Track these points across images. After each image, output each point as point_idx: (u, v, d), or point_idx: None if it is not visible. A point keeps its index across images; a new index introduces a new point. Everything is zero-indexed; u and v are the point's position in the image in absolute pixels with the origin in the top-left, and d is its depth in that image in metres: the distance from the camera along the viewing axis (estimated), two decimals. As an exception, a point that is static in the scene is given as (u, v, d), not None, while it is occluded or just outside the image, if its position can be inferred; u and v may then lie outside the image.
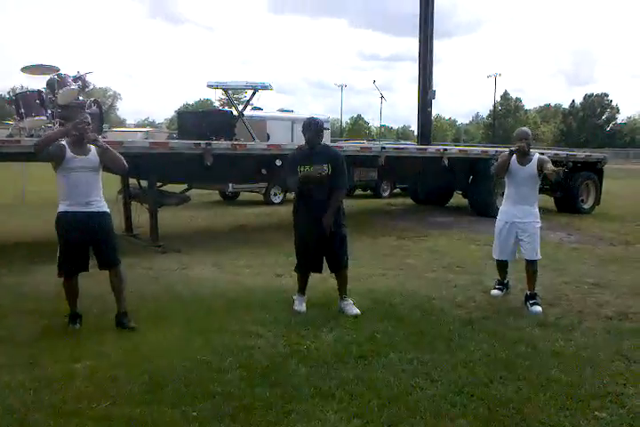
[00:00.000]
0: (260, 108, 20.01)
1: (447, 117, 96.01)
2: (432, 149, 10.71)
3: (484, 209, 10.57)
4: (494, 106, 72.27)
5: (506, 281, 5.76)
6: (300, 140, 12.26)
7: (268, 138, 12.07)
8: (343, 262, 5.07)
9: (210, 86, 8.83)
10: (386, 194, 15.81)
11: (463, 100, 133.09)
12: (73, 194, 4.28)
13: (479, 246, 8.40)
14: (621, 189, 19.61)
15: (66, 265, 4.37)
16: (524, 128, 5.52)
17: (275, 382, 3.49)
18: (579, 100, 74.02)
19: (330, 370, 3.71)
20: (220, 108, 9.98)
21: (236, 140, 8.53)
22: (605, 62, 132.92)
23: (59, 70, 7.43)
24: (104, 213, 4.44)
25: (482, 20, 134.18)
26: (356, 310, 4.84)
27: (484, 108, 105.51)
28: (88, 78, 7.79)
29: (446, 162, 10.20)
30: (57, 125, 7.26)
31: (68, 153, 4.25)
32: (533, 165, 5.27)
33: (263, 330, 4.45)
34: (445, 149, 10.58)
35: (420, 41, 13.23)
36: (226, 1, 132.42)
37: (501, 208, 5.54)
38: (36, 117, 7.20)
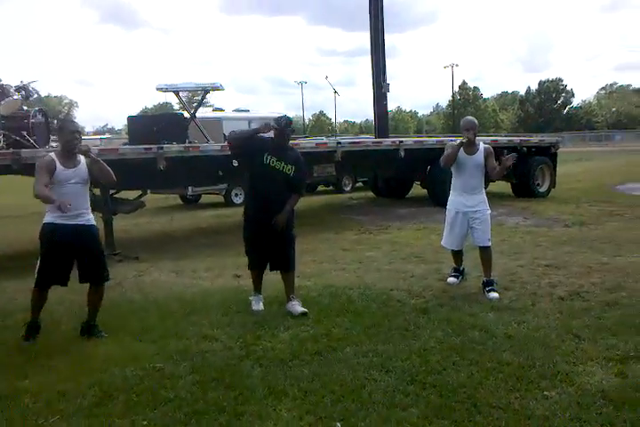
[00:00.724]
0: (221, 109, 19.87)
1: (408, 110, 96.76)
2: (388, 141, 10.77)
3: (443, 199, 10.65)
4: (453, 96, 73.31)
5: (461, 268, 5.83)
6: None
7: (225, 138, 11.97)
8: (291, 264, 5.02)
9: (159, 89, 8.71)
10: (348, 188, 15.88)
11: (423, 91, 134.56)
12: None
13: (439, 236, 8.44)
14: (578, 172, 20.10)
15: (44, 277, 4.24)
16: (470, 118, 5.54)
17: (228, 384, 3.47)
18: (534, 87, 75.29)
19: (285, 369, 3.71)
20: (179, 111, 9.73)
21: (189, 142, 8.44)
22: (560, 47, 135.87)
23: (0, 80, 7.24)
24: (91, 226, 4.33)
25: (438, 11, 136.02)
26: (302, 309, 4.77)
27: (445, 99, 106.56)
28: (32, 87, 7.60)
29: (403, 154, 10.27)
30: (0, 137, 7.09)
31: (58, 166, 4.11)
32: (480, 154, 5.32)
33: (219, 333, 4.42)
34: (401, 141, 10.64)
35: (370, 35, 13.28)
36: (179, 3, 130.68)
37: (450, 198, 5.56)
38: (-21, 130, 6.99)
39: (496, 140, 12.65)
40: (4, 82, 7.25)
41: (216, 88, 8.77)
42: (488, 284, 5.34)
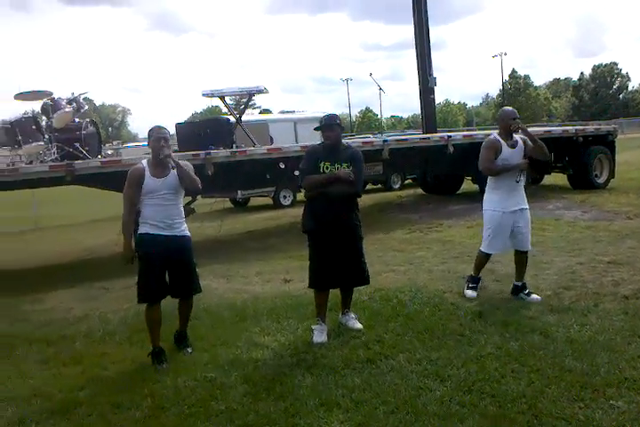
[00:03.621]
0: (268, 110, 19.92)
1: (457, 102, 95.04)
2: (436, 137, 10.54)
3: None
4: (503, 85, 71.57)
5: (479, 276, 5.34)
6: (305, 140, 12.22)
7: (272, 141, 12.00)
8: (366, 276, 4.64)
9: (205, 95, 8.78)
10: (396, 186, 15.66)
11: (472, 82, 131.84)
12: (156, 216, 4.07)
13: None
14: (639, 160, 19.20)
15: (148, 290, 4.08)
16: (508, 107, 5.24)
17: (279, 395, 3.42)
18: (588, 72, 72.74)
19: (336, 377, 3.63)
20: (224, 116, 9.73)
21: (236, 146, 8.48)
22: (613, 29, 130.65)
23: (51, 94, 7.45)
24: (184, 236, 4.21)
25: (483, 0, 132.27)
26: (359, 325, 4.55)
27: (494, 89, 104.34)
28: (82, 99, 7.80)
29: (452, 149, 10.03)
30: (54, 150, 7.30)
31: (147, 176, 4.04)
32: (521, 146, 5.00)
33: (270, 340, 4.40)
34: (450, 136, 10.40)
35: (415, 27, 13.03)
36: (224, 6, 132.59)
37: (493, 197, 5.08)
38: (34, 144, 7.22)
39: (549, 131, 12.22)
40: (55, 95, 7.45)
41: (260, 91, 8.77)
42: (523, 288, 5.08)
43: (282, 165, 8.66)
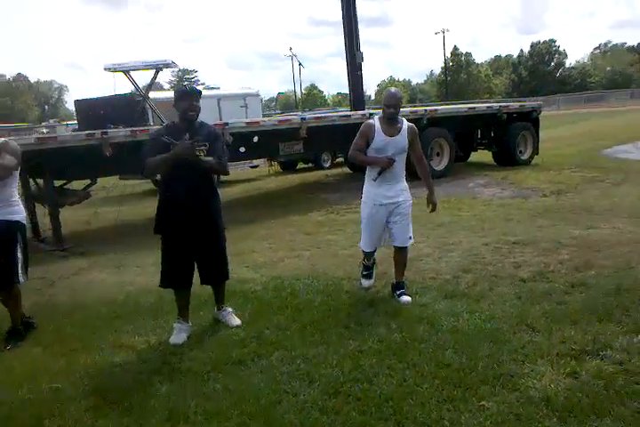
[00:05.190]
0: (217, 88, 19.06)
1: (401, 79, 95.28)
2: (357, 114, 10.21)
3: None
4: (445, 63, 71.91)
5: (370, 263, 4.80)
6: (228, 117, 11.67)
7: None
8: (225, 273, 4.27)
9: (107, 69, 8.14)
10: (327, 165, 15.33)
11: (417, 59, 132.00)
12: None
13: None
14: (570, 135, 19.51)
15: None
16: (393, 91, 4.35)
17: (127, 408, 3.06)
18: (528, 49, 73.75)
19: (197, 384, 3.29)
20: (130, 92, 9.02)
21: (145, 125, 7.93)
22: (555, 6, 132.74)
23: None
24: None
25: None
26: (237, 321, 4.19)
27: (439, 67, 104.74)
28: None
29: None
30: None
31: None
32: (404, 135, 4.31)
33: (140, 341, 4.01)
34: (371, 114, 10.09)
35: (342, 2, 12.57)
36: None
37: (367, 187, 4.50)
38: None
39: (473, 108, 12.09)
40: None
41: (167, 65, 8.22)
42: (399, 286, 4.54)
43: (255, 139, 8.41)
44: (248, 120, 9.19)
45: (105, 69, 8.06)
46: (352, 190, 10.58)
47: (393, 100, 4.25)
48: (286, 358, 3.55)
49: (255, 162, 13.57)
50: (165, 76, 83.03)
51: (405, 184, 4.49)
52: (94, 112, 7.99)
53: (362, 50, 12.42)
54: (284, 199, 10.21)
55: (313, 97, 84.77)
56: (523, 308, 4.09)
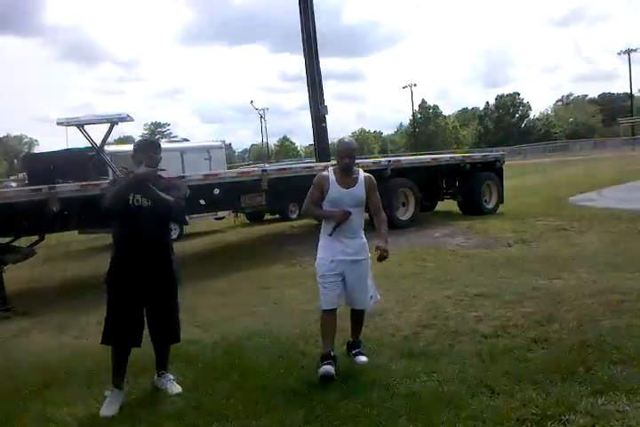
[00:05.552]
0: (186, 140, 19.06)
1: (373, 130, 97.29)
2: (320, 166, 10.15)
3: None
4: (413, 115, 73.89)
5: (332, 352, 4.01)
6: (191, 170, 11.52)
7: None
8: (177, 333, 3.98)
9: (60, 124, 7.98)
10: (294, 216, 15.15)
11: (388, 112, 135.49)
12: None
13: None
14: (534, 184, 19.77)
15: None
16: (347, 140, 4.20)
17: None
18: (493, 102, 76.25)
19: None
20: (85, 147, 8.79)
21: (102, 179, 7.71)
22: (519, 62, 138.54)
23: None
24: None
25: (399, 35, 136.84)
26: (177, 389, 3.87)
27: (408, 118, 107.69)
28: None
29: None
30: None
31: None
32: (360, 186, 4.05)
33: (68, 413, 3.63)
34: (334, 165, 10.05)
35: (305, 58, 12.80)
36: (138, 37, 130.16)
37: (322, 242, 4.12)
38: None
39: (436, 159, 12.17)
40: None
41: (122, 119, 8.10)
42: (354, 346, 4.25)
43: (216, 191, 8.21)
44: (206, 172, 9.03)
45: (58, 124, 7.90)
46: (318, 242, 10.40)
47: (348, 150, 4.02)
48: (227, 432, 3.22)
49: (220, 214, 13.34)
50: (138, 130, 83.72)
51: (364, 239, 4.14)
52: (44, 167, 7.75)
53: (326, 103, 12.56)
54: (247, 252, 9.97)
55: (285, 148, 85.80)
56: (483, 367, 3.85)
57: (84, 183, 7.32)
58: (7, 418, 3.60)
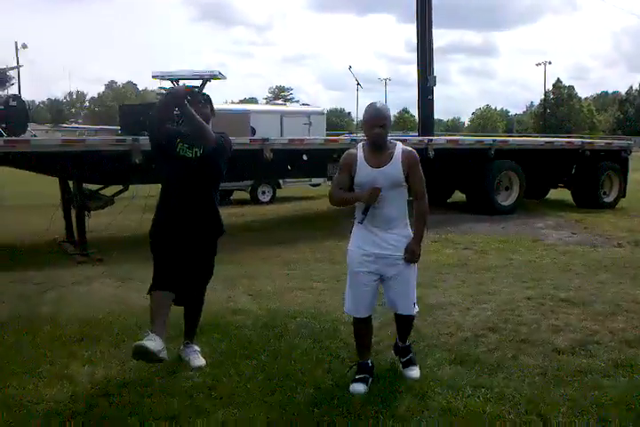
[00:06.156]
0: (306, 104, 19.05)
1: (499, 108, 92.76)
2: (413, 139, 9.53)
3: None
4: (545, 94, 69.13)
5: (370, 362, 3.43)
6: (291, 134, 11.29)
7: (254, 132, 11.14)
8: (203, 294, 3.82)
9: (155, 77, 7.94)
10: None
11: (517, 90, 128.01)
12: None
13: (455, 251, 7.24)
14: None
15: None
16: (377, 105, 3.25)
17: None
18: (637, 87, 69.55)
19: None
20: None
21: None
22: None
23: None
24: None
25: (540, 10, 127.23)
26: (200, 361, 3.61)
27: (539, 98, 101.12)
28: (11, 73, 7.06)
29: (432, 154, 9.00)
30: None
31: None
32: (397, 163, 3.19)
33: (86, 371, 3.51)
34: (431, 140, 9.37)
35: (417, 25, 12.00)
36: (272, 2, 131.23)
37: (353, 231, 3.41)
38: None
39: (551, 142, 11.01)
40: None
41: (214, 76, 7.88)
42: (404, 351, 3.54)
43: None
44: (290, 137, 8.69)
45: (153, 77, 7.86)
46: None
47: (377, 117, 3.17)
48: (228, 421, 2.92)
49: (315, 180, 13.05)
50: (263, 92, 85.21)
51: (408, 232, 3.32)
52: (135, 118, 7.78)
53: (435, 74, 11.72)
54: (330, 222, 9.57)
55: (404, 120, 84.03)
56: (543, 389, 3.25)
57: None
58: (23, 371, 3.52)
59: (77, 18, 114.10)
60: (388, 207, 3.22)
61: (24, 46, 34.25)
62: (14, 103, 7.04)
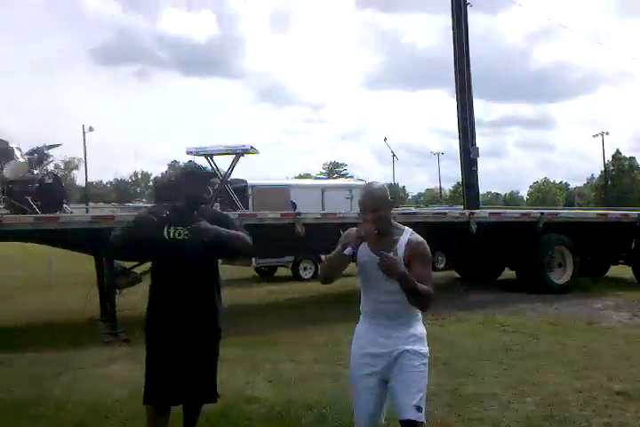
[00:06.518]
0: (361, 180, 19.24)
1: (559, 181, 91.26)
2: (454, 212, 9.25)
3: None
4: (605, 166, 67.65)
5: None
6: (332, 207, 11.21)
7: (294, 206, 11.14)
8: (212, 393, 3.35)
9: (189, 153, 8.13)
10: (440, 266, 13.96)
11: (576, 162, 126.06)
12: None
13: (501, 333, 6.70)
14: None
15: None
16: (374, 185, 2.80)
17: None
18: None
19: None
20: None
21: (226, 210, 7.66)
22: None
23: (5, 143, 7.01)
24: None
25: (594, 82, 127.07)
26: None
27: (599, 170, 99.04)
28: (49, 151, 7.31)
29: (475, 228, 8.65)
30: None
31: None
32: (399, 251, 2.69)
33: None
34: (472, 213, 9.04)
35: (456, 94, 12.02)
36: (326, 81, 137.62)
37: (358, 326, 2.90)
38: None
39: (605, 215, 10.44)
40: (13, 144, 7.00)
41: (246, 151, 8.02)
42: None
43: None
44: (324, 212, 8.56)
45: (187, 153, 8.06)
46: (447, 298, 9.34)
47: (371, 200, 2.71)
48: None
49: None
50: (317, 167, 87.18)
51: (420, 329, 2.78)
52: (167, 193, 7.90)
53: (477, 145, 11.55)
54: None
55: (460, 194, 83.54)
56: None
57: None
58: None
59: (142, 100, 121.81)
60: (392, 302, 2.70)
61: (91, 129, 36.59)
62: (50, 181, 7.22)
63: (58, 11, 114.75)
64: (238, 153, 8.23)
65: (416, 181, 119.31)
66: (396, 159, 9.89)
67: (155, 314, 3.30)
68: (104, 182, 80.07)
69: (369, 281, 2.77)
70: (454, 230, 8.71)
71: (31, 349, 6.00)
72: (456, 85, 11.77)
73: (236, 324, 6.61)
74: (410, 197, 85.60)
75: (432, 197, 79.59)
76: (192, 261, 3.22)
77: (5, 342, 6.20)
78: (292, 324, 7.34)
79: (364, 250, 2.72)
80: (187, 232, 3.23)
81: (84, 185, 39.97)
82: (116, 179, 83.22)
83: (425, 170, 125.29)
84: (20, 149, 7.02)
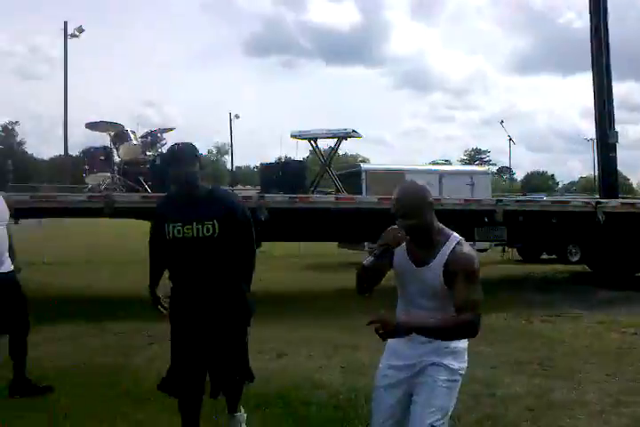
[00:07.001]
0: (508, 168, 18.51)
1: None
2: (579, 201, 8.36)
3: None
4: None
5: None
6: (450, 194, 10.78)
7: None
8: (243, 372, 3.24)
9: (293, 136, 8.17)
10: (574, 259, 12.75)
11: None
12: None
13: (622, 335, 5.96)
14: None
15: None
16: (405, 185, 2.39)
17: None
18: None
19: None
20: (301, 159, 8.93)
21: (313, 191, 7.65)
22: None
23: (120, 126, 7.46)
24: None
25: None
26: None
27: None
28: (163, 135, 7.69)
29: (602, 218, 7.81)
30: (116, 181, 7.21)
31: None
32: (437, 264, 2.31)
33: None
34: (599, 202, 8.15)
35: (593, 75, 10.90)
36: (470, 66, 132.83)
37: (388, 343, 2.49)
38: (99, 173, 7.23)
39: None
40: (127, 128, 7.44)
41: (347, 134, 7.90)
42: None
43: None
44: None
45: (291, 137, 8.13)
46: (569, 293, 8.55)
47: (402, 205, 2.31)
48: None
49: (479, 244, 12.11)
50: (458, 153, 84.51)
51: (455, 342, 2.36)
52: (270, 176, 8.05)
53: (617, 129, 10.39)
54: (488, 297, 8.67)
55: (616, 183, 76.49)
56: None
57: (292, 196, 7.21)
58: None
59: (288, 87, 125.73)
60: (426, 316, 2.32)
61: (237, 117, 38.47)
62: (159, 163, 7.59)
63: (212, 7, 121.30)
64: (341, 136, 8.15)
65: (569, 169, 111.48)
66: (512, 143, 9.15)
67: (174, 302, 3.18)
68: (251, 167, 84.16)
69: (403, 291, 2.46)
70: (581, 221, 7.95)
71: (131, 319, 6.30)
72: (592, 61, 10.68)
73: (339, 307, 6.53)
74: (560, 185, 79.99)
75: (586, 184, 73.38)
76: (199, 254, 3.04)
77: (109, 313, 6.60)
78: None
79: (400, 256, 2.40)
80: (186, 228, 3.02)
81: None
82: (261, 163, 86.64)
83: (576, 157, 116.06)
84: (134, 133, 7.45)
